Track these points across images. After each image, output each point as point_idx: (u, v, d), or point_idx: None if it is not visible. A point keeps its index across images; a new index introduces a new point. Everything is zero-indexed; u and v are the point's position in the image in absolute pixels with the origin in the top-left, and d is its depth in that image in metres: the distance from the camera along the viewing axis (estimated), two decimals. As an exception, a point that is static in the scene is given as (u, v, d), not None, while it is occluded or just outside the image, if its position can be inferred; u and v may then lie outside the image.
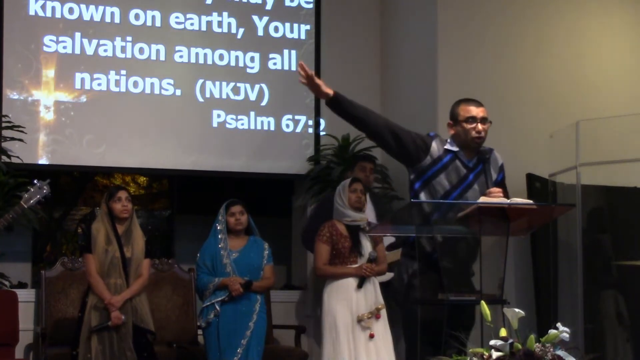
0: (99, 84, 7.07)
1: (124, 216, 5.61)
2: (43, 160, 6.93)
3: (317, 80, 4.34)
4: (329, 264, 5.47)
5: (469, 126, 4.43)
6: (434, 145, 4.46)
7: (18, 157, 6.59)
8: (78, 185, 10.10)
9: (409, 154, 4.45)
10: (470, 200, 4.36)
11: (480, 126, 4.43)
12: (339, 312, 5.32)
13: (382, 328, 5.37)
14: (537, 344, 3.21)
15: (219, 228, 5.85)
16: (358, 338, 5.30)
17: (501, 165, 4.62)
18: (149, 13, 7.25)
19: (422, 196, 4.42)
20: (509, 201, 4.09)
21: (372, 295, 5.39)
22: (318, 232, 5.51)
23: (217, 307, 5.69)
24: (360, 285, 5.36)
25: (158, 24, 7.27)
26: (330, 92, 4.36)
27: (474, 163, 4.48)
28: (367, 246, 5.46)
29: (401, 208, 4.80)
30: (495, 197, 4.23)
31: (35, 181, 5.44)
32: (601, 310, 6.70)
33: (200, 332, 6.11)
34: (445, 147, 4.48)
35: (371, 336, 5.31)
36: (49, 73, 6.97)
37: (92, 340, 5.41)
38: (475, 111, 4.45)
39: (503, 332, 3.28)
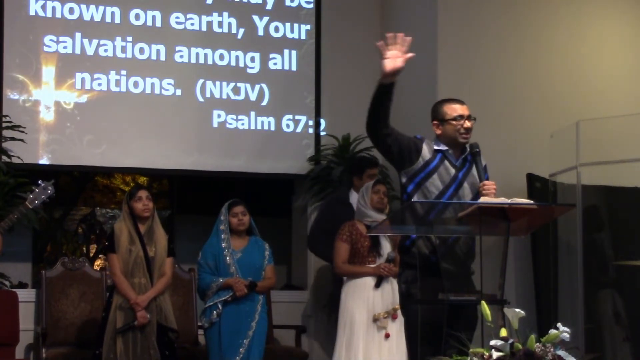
0: (99, 84, 7.07)
1: (146, 215, 5.64)
2: (43, 160, 6.93)
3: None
4: (347, 263, 5.50)
5: (457, 124, 4.51)
6: (425, 148, 4.54)
7: (18, 157, 6.59)
8: (78, 185, 10.10)
9: (404, 156, 4.50)
10: (463, 200, 4.42)
11: (468, 123, 4.53)
12: (356, 311, 5.35)
13: (397, 328, 5.38)
14: (538, 344, 3.21)
15: (221, 228, 5.85)
16: (373, 337, 5.31)
17: (484, 167, 4.68)
18: (149, 13, 7.25)
19: (416, 199, 4.47)
20: (509, 201, 4.11)
21: (389, 295, 5.42)
22: (338, 231, 5.55)
23: (219, 306, 5.69)
24: (377, 285, 5.38)
25: (158, 24, 7.27)
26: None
27: (461, 162, 4.56)
28: (386, 247, 5.50)
29: (399, 209, 4.81)
30: (489, 189, 4.31)
31: (40, 182, 5.46)
32: (599, 309, 6.70)
33: (201, 332, 6.11)
34: (434, 147, 4.54)
35: (387, 336, 5.33)
36: (49, 73, 6.97)
37: (117, 340, 5.43)
38: (462, 109, 4.57)
39: (503, 332, 3.28)
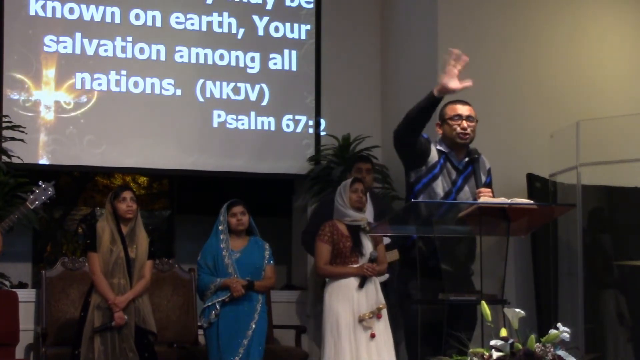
0: (100, 84, 7.07)
1: (129, 216, 5.61)
2: (43, 160, 6.93)
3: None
4: (329, 263, 5.47)
5: (454, 123, 4.49)
6: (432, 149, 4.53)
7: (18, 157, 6.59)
8: (78, 185, 10.09)
9: (420, 157, 4.49)
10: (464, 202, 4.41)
11: (465, 123, 4.51)
12: (341, 312, 5.32)
13: (383, 328, 5.36)
14: (538, 344, 3.21)
15: (220, 228, 5.84)
16: (359, 338, 5.29)
17: (489, 169, 4.68)
18: (149, 13, 7.25)
19: (422, 199, 4.46)
20: (509, 201, 4.11)
21: (373, 294, 5.39)
22: (319, 232, 5.50)
23: (217, 307, 5.68)
24: (361, 285, 5.36)
25: (158, 24, 7.28)
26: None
27: (463, 165, 4.55)
28: (368, 246, 5.46)
29: (401, 209, 4.81)
30: (485, 197, 4.29)
31: (40, 183, 5.45)
32: (602, 310, 6.70)
33: (201, 332, 6.11)
34: (437, 147, 4.54)
35: (372, 336, 5.31)
36: (49, 73, 6.97)
37: (94, 340, 5.41)
38: (461, 109, 4.54)
39: (503, 332, 3.28)
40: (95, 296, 5.51)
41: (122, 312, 5.45)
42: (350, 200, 5.49)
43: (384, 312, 5.38)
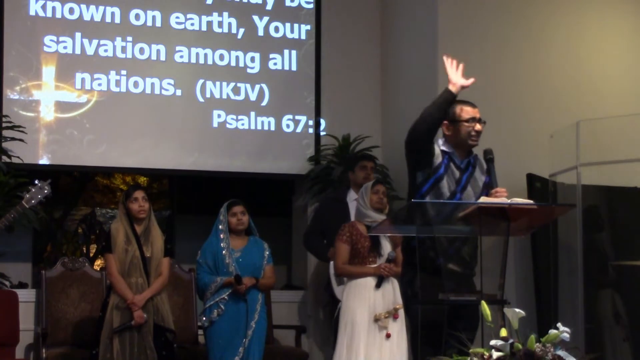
0: (100, 84, 7.08)
1: (142, 216, 5.63)
2: (43, 160, 6.93)
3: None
4: (348, 263, 5.51)
5: (469, 126, 4.50)
6: (436, 149, 4.53)
7: (18, 157, 6.59)
8: (78, 185, 10.11)
9: (428, 157, 4.50)
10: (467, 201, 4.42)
11: (478, 126, 4.53)
12: (358, 311, 5.35)
13: (398, 328, 5.38)
14: (538, 344, 3.21)
15: (220, 228, 5.85)
16: (374, 337, 5.32)
17: (487, 170, 4.67)
18: (149, 13, 7.26)
19: (430, 199, 4.47)
20: (509, 201, 4.11)
21: (390, 295, 5.42)
22: (338, 232, 5.56)
23: (221, 306, 5.69)
24: (378, 285, 5.39)
25: (158, 24, 7.28)
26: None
27: (465, 165, 4.56)
28: (386, 247, 5.50)
29: (402, 208, 4.81)
30: (500, 197, 4.29)
31: (36, 181, 5.44)
32: (599, 309, 6.70)
33: (200, 332, 6.11)
34: (441, 147, 4.55)
35: (388, 336, 5.33)
36: (49, 73, 6.98)
37: (113, 340, 5.43)
38: (474, 112, 4.57)
39: (503, 332, 3.28)
40: (113, 296, 5.54)
41: (141, 310, 5.47)
42: (371, 202, 5.56)
43: (401, 313, 5.39)
